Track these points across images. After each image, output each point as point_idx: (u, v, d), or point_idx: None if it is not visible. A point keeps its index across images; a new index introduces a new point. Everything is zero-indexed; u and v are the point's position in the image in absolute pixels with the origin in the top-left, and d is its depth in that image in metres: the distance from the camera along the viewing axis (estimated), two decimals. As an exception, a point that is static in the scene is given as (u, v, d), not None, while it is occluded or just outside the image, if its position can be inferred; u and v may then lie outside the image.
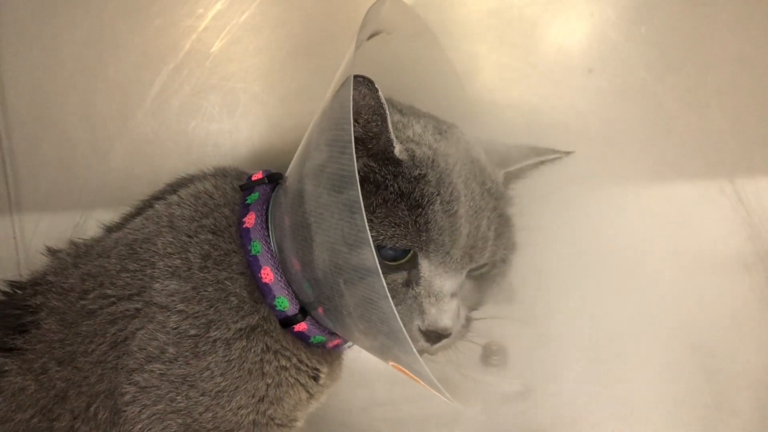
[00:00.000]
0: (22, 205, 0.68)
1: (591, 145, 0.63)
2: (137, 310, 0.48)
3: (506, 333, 0.63)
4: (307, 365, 0.52)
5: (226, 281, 0.48)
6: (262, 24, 0.64)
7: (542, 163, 0.57)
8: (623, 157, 0.64)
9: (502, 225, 0.52)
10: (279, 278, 0.48)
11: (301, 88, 0.65)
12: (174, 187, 0.56)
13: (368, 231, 0.37)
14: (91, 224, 0.63)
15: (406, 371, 0.45)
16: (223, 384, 0.47)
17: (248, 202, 0.51)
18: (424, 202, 0.46)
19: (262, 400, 0.49)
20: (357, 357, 0.66)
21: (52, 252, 0.55)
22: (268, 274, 0.48)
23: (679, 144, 0.64)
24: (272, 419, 0.50)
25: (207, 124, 0.65)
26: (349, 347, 0.59)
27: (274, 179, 0.53)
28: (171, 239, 0.49)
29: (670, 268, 0.65)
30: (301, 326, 0.50)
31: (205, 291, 0.48)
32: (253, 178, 0.53)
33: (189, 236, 0.49)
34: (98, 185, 0.67)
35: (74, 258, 0.52)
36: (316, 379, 0.53)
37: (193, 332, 0.47)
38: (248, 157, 0.65)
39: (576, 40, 0.63)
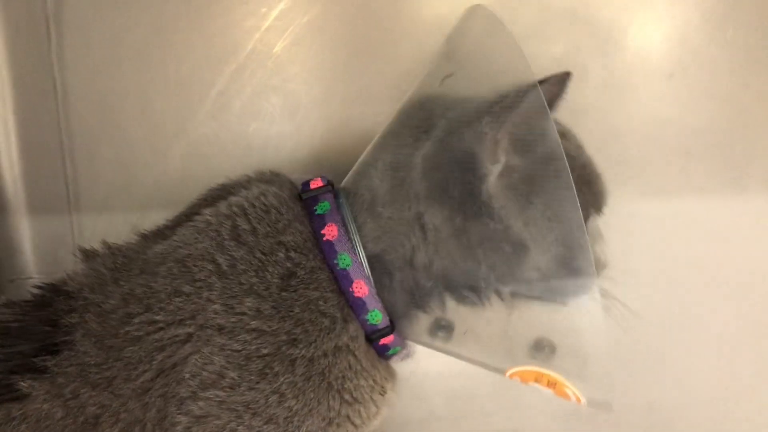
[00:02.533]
0: (81, 205, 0.68)
1: (669, 154, 0.60)
2: (189, 335, 0.44)
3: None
4: (379, 384, 0.49)
5: (318, 301, 0.45)
6: (325, 24, 0.62)
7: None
8: (704, 167, 0.60)
9: None
10: (372, 290, 0.46)
11: (363, 90, 0.63)
12: (219, 193, 0.53)
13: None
14: (147, 225, 0.62)
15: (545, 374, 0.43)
16: (295, 407, 0.44)
17: (320, 212, 0.48)
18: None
19: (331, 422, 0.46)
20: (415, 369, 0.64)
21: (86, 256, 0.50)
22: (361, 288, 0.45)
23: (764, 155, 0.60)
24: None
25: (268, 126, 0.64)
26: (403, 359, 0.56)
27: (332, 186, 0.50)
28: (244, 255, 0.45)
29: (752, 286, 0.61)
30: (388, 339, 0.48)
31: (290, 311, 0.44)
32: (312, 186, 0.50)
33: (264, 253, 0.45)
34: (156, 186, 0.66)
35: (112, 272, 0.47)
36: (382, 394, 0.50)
37: (266, 351, 0.44)
38: (309, 160, 0.64)
39: (655, 43, 0.60)
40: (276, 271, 0.45)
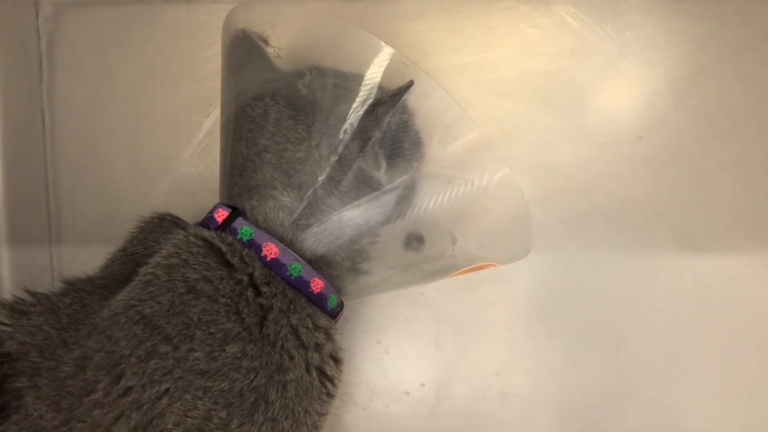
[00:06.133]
0: (62, 237, 0.69)
1: (635, 212, 0.63)
2: (166, 390, 0.42)
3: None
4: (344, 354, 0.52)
5: (305, 321, 0.47)
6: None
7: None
8: (667, 226, 0.63)
9: None
10: (325, 281, 0.48)
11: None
12: (142, 251, 0.51)
13: None
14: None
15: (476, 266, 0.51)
16: (287, 427, 0.45)
17: (246, 239, 0.46)
18: None
19: (313, 426, 0.47)
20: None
21: (13, 310, 0.46)
22: (317, 284, 0.47)
23: (724, 216, 0.63)
24: None
25: (251, 168, 0.65)
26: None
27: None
28: (206, 307, 0.44)
29: (712, 341, 0.63)
30: (342, 312, 0.51)
31: (274, 344, 0.45)
32: (219, 218, 0.48)
33: (228, 297, 0.45)
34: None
35: (59, 332, 0.44)
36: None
37: (258, 383, 0.43)
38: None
39: (625, 107, 0.63)
40: (251, 311, 0.45)
